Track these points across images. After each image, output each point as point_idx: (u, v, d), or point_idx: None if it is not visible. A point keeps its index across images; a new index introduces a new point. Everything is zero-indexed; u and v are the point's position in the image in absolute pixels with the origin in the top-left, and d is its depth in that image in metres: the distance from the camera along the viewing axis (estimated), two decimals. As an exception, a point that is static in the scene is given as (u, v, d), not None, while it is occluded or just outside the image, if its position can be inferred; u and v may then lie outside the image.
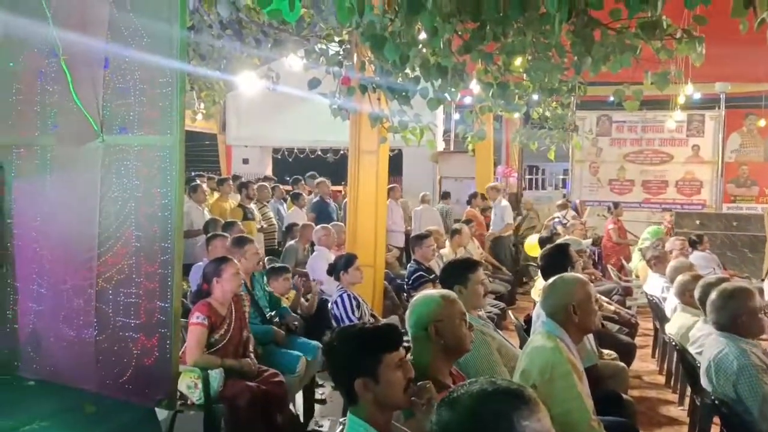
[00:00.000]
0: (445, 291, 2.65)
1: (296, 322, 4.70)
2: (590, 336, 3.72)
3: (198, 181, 8.95)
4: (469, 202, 10.76)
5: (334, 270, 4.89)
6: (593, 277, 7.51)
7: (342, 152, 12.83)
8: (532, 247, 8.75)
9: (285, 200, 10.29)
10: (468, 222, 8.74)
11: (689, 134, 12.41)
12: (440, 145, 13.62)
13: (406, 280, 6.02)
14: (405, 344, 2.32)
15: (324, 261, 5.74)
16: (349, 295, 4.72)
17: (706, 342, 3.42)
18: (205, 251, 5.44)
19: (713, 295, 3.21)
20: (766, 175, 12.13)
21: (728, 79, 10.61)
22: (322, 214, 9.10)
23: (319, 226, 6.78)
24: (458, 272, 3.45)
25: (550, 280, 2.96)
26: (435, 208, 10.85)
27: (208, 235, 5.72)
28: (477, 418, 1.27)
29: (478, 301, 3.46)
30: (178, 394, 3.50)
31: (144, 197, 3.26)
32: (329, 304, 4.87)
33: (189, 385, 3.62)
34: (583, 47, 3.33)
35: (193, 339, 3.72)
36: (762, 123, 10.85)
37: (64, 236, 3.49)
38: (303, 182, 11.15)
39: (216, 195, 9.05)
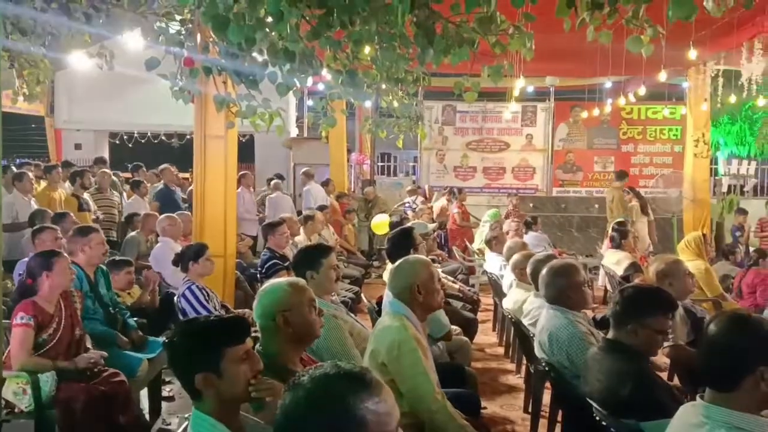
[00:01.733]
0: (293, 279, 2.64)
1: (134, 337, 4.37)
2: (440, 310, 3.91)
3: (23, 169, 8.12)
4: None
5: (181, 260, 4.69)
6: (440, 258, 7.93)
7: (188, 137, 12.25)
8: (378, 225, 9.04)
9: (124, 189, 9.69)
10: (322, 208, 8.77)
11: (524, 124, 13.42)
12: (293, 132, 13.53)
13: (260, 269, 5.93)
14: (255, 334, 2.29)
15: (170, 252, 5.48)
16: (198, 287, 4.55)
17: (538, 314, 3.74)
18: (32, 246, 4.96)
19: (543, 271, 3.52)
20: (589, 161, 13.46)
21: (556, 73, 11.58)
22: (167, 202, 8.71)
23: (163, 216, 6.45)
24: (310, 258, 3.47)
25: (396, 263, 3.08)
26: (286, 195, 10.77)
27: (35, 227, 5.21)
28: (314, 400, 1.28)
29: (331, 286, 3.50)
30: (3, 402, 3.20)
31: (-48, 186, 2.91)
32: (176, 298, 4.67)
33: (16, 391, 3.32)
34: (426, 39, 3.46)
35: (17, 341, 3.41)
36: (585, 114, 12.00)
37: None
38: (143, 169, 10.58)
39: (43, 184, 8.28)
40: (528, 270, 4.22)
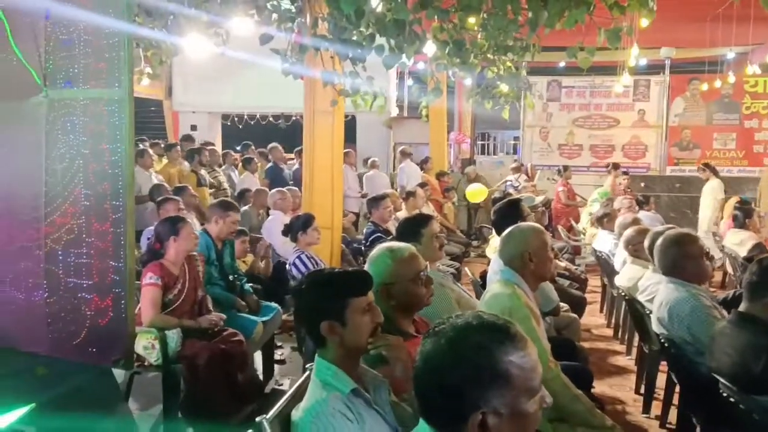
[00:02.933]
0: (398, 247, 2.57)
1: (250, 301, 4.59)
2: (549, 284, 3.84)
3: (143, 146, 8.70)
4: (421, 167, 10.82)
5: (290, 230, 4.87)
6: (545, 237, 7.76)
7: (294, 118, 12.66)
8: (474, 193, 8.95)
9: (236, 166, 10.15)
10: (423, 185, 8.81)
11: (635, 99, 12.74)
12: (393, 111, 13.60)
13: (364, 241, 6.06)
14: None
15: (280, 224, 5.69)
16: (307, 255, 4.72)
17: (656, 290, 3.57)
18: (155, 217, 5.32)
19: (659, 241, 3.35)
20: (707, 138, 12.60)
21: (673, 44, 10.89)
22: (276, 179, 9.03)
23: (274, 190, 6.73)
24: (411, 229, 3.48)
25: (508, 230, 3.03)
26: (384, 174, 10.89)
27: (160, 198, 5.59)
28: (458, 349, 1.25)
29: (435, 254, 3.50)
30: (135, 356, 3.46)
31: (92, 154, 3.16)
32: (287, 266, 4.87)
33: (146, 346, 3.57)
34: (540, 1, 3.36)
35: (147, 300, 3.66)
36: (704, 87, 11.22)
37: (7, 196, 3.35)
38: (252, 148, 10.99)
39: (164, 161, 8.82)
40: (646, 243, 4.03)
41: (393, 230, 6.24)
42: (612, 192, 9.19)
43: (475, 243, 10.39)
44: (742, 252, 6.14)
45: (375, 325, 1.97)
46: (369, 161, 10.72)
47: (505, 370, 1.23)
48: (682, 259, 3.21)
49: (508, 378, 1.23)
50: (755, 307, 2.51)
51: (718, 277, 7.81)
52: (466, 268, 5.57)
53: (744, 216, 6.63)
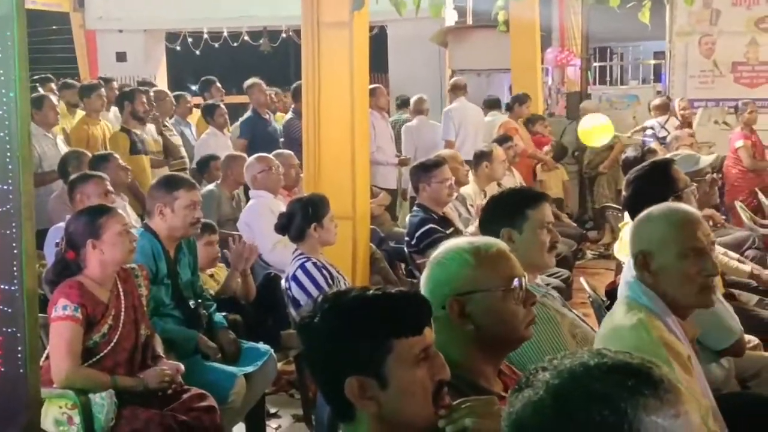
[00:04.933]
0: (486, 242, 2.62)
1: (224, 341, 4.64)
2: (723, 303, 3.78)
3: (42, 91, 8.82)
4: (509, 108, 10.72)
5: (289, 223, 4.89)
6: (712, 222, 7.62)
7: (284, 35, 12.70)
8: (590, 131, 8.84)
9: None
10: (504, 140, 8.72)
11: None
12: (451, 16, 13.53)
13: (407, 239, 6.05)
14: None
15: (267, 213, 5.73)
16: (316, 264, 4.74)
17: None
18: (65, 208, 5.39)
19: None
20: None
21: None
22: (258, 138, 9.08)
23: (253, 158, 6.76)
24: (509, 209, 3.52)
25: (638, 218, 3.08)
26: (437, 123, 10.87)
27: (72, 177, 5.65)
28: (568, 406, 1.29)
29: (542, 257, 3.51)
30: (42, 434, 3.52)
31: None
32: (283, 282, 4.87)
33: (58, 419, 3.65)
34: None
35: (59, 343, 3.71)
36: None
37: None
38: (218, 86, 11.08)
39: (79, 114, 8.92)
40: None
41: (455, 219, 6.27)
42: None
43: (592, 233, 10.31)
44: None
45: (437, 384, 1.98)
46: (412, 103, 10.67)
47: None
48: None
49: None
50: None
51: None
52: (582, 279, 5.52)
53: None
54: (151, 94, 8.70)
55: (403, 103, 11.74)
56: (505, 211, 3.51)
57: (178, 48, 14.31)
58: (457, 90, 10.73)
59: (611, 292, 4.71)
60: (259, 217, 6.04)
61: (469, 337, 2.43)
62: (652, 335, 2.75)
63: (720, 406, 2.88)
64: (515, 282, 2.48)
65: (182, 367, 4.00)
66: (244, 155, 7.40)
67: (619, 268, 5.36)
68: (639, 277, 2.96)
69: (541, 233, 3.46)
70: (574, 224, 9.50)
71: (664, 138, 10.02)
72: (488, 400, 2.15)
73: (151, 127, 8.50)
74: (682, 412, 1.30)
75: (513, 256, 2.57)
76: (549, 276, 6.36)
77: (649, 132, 10.84)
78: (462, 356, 2.41)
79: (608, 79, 16.21)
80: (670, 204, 3.33)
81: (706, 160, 5.95)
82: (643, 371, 1.32)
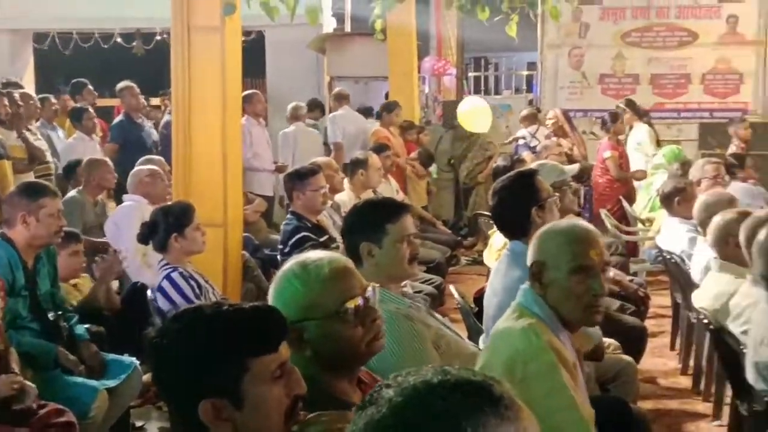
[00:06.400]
0: (318, 261, 2.52)
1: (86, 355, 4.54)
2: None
3: None
4: (379, 116, 10.79)
5: (153, 232, 4.83)
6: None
7: (158, 38, 12.51)
8: (469, 115, 8.86)
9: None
10: (381, 149, 8.77)
11: (723, 0, 12.94)
12: (329, 23, 13.53)
13: (281, 246, 6.03)
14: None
15: (138, 218, 5.62)
16: (183, 274, 4.69)
17: (754, 315, 3.63)
18: None
19: (761, 236, 3.40)
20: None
21: None
22: (130, 143, 8.99)
23: (145, 162, 6.74)
24: (369, 221, 3.52)
25: (545, 227, 3.16)
26: (314, 131, 10.88)
27: None
28: (409, 423, 1.28)
29: (402, 269, 3.52)
30: None
31: None
32: (148, 293, 4.81)
33: None
34: None
35: None
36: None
37: None
38: (90, 89, 10.89)
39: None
40: (742, 238, 4.09)
41: (330, 227, 6.27)
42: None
43: (467, 240, 10.46)
44: None
45: (292, 401, 1.96)
46: (289, 110, 10.65)
47: None
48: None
49: None
50: None
51: None
52: (451, 287, 5.59)
53: None
54: (16, 96, 8.38)
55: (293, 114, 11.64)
56: (365, 226, 3.51)
57: (46, 48, 13.94)
58: (341, 99, 10.90)
59: (479, 299, 4.79)
60: (129, 220, 5.97)
61: (312, 360, 2.42)
62: (541, 339, 2.80)
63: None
64: (348, 305, 2.45)
65: (33, 387, 3.86)
66: (107, 159, 7.38)
67: (489, 274, 5.46)
68: (531, 286, 3.01)
69: (401, 247, 3.46)
70: (449, 231, 9.64)
71: (534, 147, 10.27)
72: (341, 415, 2.15)
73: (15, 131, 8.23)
74: (521, 430, 1.31)
75: (352, 272, 2.54)
76: (422, 283, 6.47)
77: (521, 142, 11.06)
78: (313, 373, 2.40)
79: (483, 88, 16.47)
80: (573, 221, 3.42)
81: (570, 169, 6.11)
82: (485, 388, 1.32)
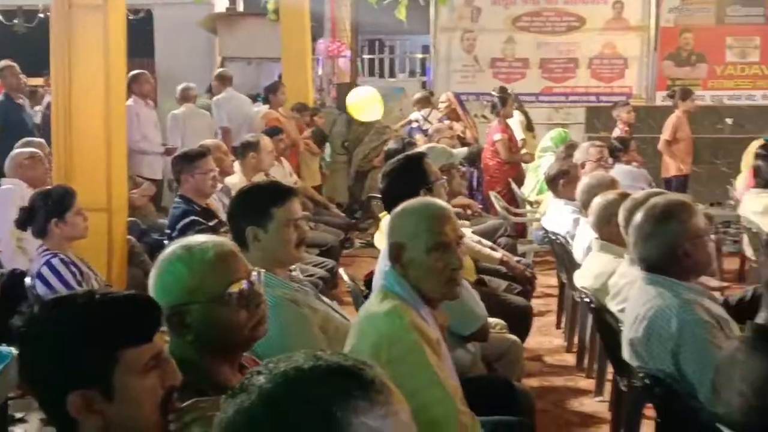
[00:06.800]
0: (203, 245, 2.50)
1: None
2: (469, 290, 3.93)
3: None
4: (266, 99, 10.73)
5: (32, 217, 4.74)
6: (470, 211, 7.93)
7: (41, 15, 12.20)
8: (359, 105, 8.90)
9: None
10: (273, 132, 8.72)
11: (609, -14, 13.28)
12: (221, 3, 13.37)
13: (168, 230, 5.95)
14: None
15: (16, 202, 5.49)
16: (64, 260, 4.61)
17: (630, 293, 3.73)
18: None
19: (638, 217, 3.49)
20: (718, 46, 13.35)
21: None
22: (10, 124, 8.86)
23: (23, 143, 6.56)
24: (253, 206, 3.52)
25: (399, 208, 3.14)
26: (206, 113, 10.77)
27: None
28: (276, 412, 1.29)
29: (288, 253, 3.53)
30: None
31: None
32: (27, 280, 4.73)
33: None
34: None
35: None
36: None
37: None
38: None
39: None
40: (620, 219, 4.19)
41: (220, 210, 6.20)
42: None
43: (362, 224, 10.49)
44: (767, 224, 6.53)
45: (167, 391, 1.94)
46: (179, 91, 10.53)
47: None
48: (677, 244, 3.35)
49: None
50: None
51: (731, 264, 8.32)
52: (341, 270, 5.60)
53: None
54: None
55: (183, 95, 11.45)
56: (251, 210, 3.51)
57: None
58: (224, 80, 10.76)
59: (370, 282, 4.82)
60: (6, 205, 5.79)
61: (193, 344, 2.41)
62: (404, 320, 2.83)
63: (466, 389, 2.98)
64: (232, 289, 2.43)
65: None
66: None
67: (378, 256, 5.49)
68: (392, 267, 3.04)
69: (287, 231, 3.47)
70: (342, 214, 9.66)
71: (428, 130, 10.34)
72: (217, 401, 2.13)
73: None
74: (391, 413, 1.32)
75: (237, 256, 2.52)
76: (315, 266, 6.46)
77: (414, 125, 11.13)
78: (194, 358, 2.38)
79: (378, 71, 16.51)
80: (426, 199, 3.44)
81: (459, 153, 6.19)
82: (355, 373, 1.34)
